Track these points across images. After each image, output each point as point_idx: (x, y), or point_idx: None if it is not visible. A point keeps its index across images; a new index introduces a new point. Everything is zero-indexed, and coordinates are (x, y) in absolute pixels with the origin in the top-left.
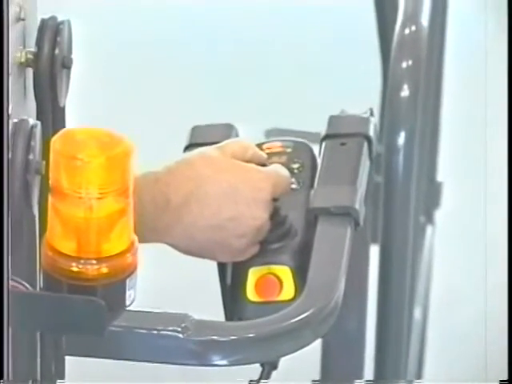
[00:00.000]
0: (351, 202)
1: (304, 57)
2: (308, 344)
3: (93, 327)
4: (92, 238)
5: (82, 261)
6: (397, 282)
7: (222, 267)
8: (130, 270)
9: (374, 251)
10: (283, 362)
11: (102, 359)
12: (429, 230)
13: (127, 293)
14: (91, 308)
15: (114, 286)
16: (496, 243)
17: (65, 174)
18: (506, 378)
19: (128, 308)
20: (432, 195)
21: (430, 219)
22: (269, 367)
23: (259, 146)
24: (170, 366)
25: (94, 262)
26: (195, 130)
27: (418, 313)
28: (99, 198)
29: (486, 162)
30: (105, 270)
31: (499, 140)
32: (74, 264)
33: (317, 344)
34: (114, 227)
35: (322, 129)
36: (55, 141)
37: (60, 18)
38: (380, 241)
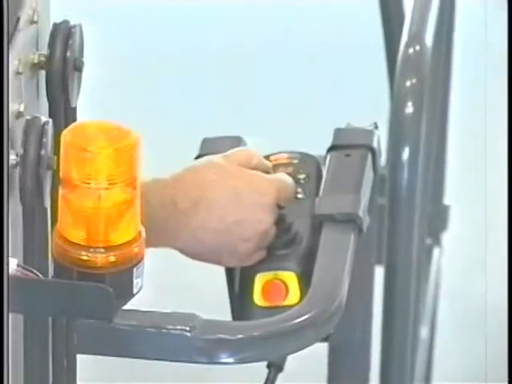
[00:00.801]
0: (355, 209)
1: (308, 61)
2: (311, 344)
3: (101, 313)
4: (100, 227)
5: (91, 249)
6: (401, 302)
7: (229, 273)
8: (137, 259)
9: (379, 272)
10: (289, 373)
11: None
12: (436, 252)
13: (134, 281)
14: (100, 295)
15: (122, 274)
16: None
17: (75, 166)
18: (505, 377)
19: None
20: (439, 218)
21: (436, 241)
22: (275, 369)
23: (267, 157)
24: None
25: (103, 250)
26: (205, 141)
27: (424, 333)
28: (107, 189)
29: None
30: (112, 258)
31: (499, 140)
32: (83, 252)
33: (323, 356)
34: (121, 217)
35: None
36: (66, 134)
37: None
38: (384, 260)
